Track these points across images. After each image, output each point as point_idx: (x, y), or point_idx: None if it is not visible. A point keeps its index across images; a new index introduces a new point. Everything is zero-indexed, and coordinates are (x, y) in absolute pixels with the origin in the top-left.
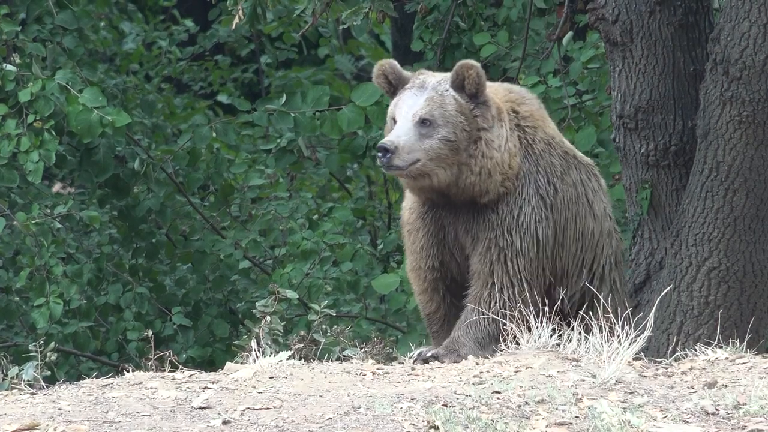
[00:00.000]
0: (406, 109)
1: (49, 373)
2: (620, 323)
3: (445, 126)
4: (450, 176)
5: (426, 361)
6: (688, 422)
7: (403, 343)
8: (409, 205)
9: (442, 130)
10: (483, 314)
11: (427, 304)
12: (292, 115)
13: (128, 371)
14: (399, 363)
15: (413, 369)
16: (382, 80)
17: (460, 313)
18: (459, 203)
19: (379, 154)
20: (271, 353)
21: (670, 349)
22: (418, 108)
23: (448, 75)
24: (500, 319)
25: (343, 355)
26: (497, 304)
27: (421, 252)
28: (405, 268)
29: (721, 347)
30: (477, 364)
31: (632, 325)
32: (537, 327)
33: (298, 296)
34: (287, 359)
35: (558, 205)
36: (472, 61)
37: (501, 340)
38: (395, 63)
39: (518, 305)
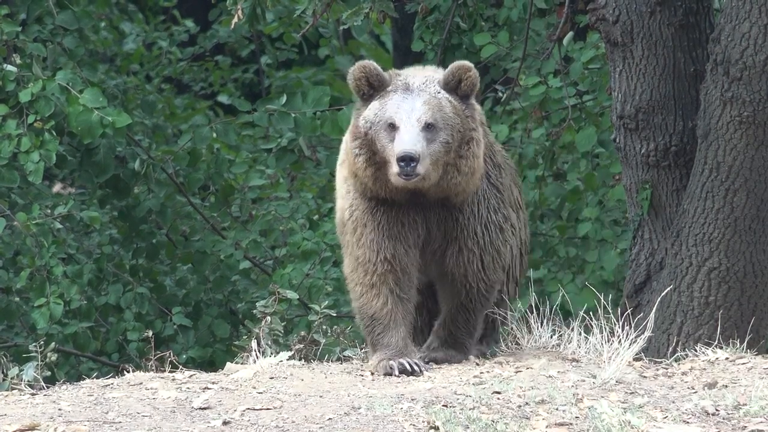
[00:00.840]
0: (407, 114)
1: (49, 373)
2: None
3: (445, 129)
4: (436, 177)
5: (427, 363)
6: (688, 423)
7: None
8: (349, 203)
9: (442, 133)
10: (467, 314)
11: (373, 301)
12: (293, 115)
13: (128, 372)
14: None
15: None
16: (363, 82)
17: (406, 312)
18: (432, 202)
19: (403, 164)
20: (272, 354)
21: (671, 349)
22: (422, 113)
23: (428, 74)
24: (498, 316)
25: (344, 356)
26: (477, 303)
27: (371, 245)
28: (344, 269)
29: (721, 348)
30: (477, 364)
31: (633, 325)
32: (537, 328)
33: (298, 297)
34: (287, 360)
35: (504, 191)
36: (469, 63)
37: (501, 340)
38: (376, 65)
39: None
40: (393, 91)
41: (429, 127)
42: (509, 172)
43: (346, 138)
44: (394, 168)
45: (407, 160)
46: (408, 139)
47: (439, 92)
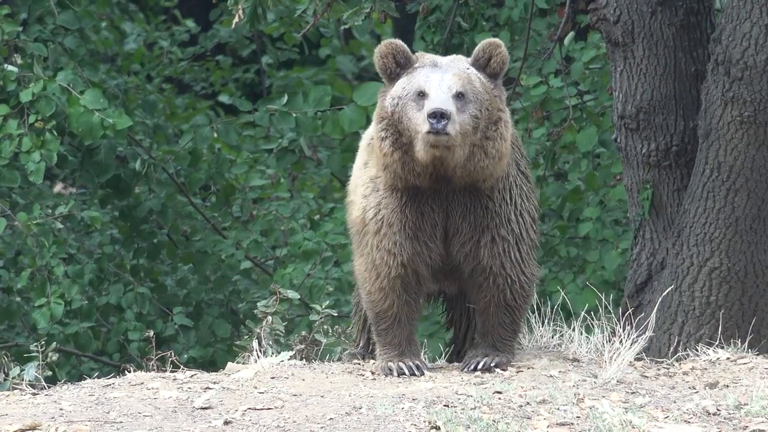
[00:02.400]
0: (438, 82)
1: (50, 373)
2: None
3: (474, 102)
4: (463, 156)
5: (489, 369)
6: (689, 422)
7: None
8: (376, 202)
9: (471, 106)
10: (512, 313)
11: (381, 302)
12: (294, 115)
13: (130, 371)
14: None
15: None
16: (390, 60)
17: (413, 312)
18: (458, 188)
19: (433, 120)
20: (273, 353)
21: (672, 349)
22: (452, 82)
23: (457, 56)
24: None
25: (345, 355)
26: (520, 299)
27: (392, 248)
28: (356, 268)
29: (722, 347)
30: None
31: (634, 325)
32: (539, 327)
33: (299, 296)
34: (288, 359)
35: (532, 181)
36: (499, 40)
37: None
38: (403, 43)
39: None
40: (420, 67)
41: (459, 96)
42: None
43: (370, 134)
44: (424, 127)
45: (438, 116)
46: (439, 100)
47: (468, 68)
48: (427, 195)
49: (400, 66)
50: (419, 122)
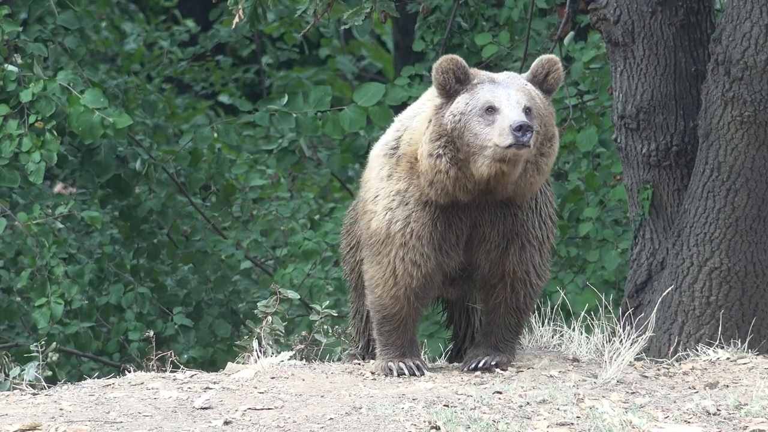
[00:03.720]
0: (507, 97)
1: (50, 373)
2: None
3: (537, 118)
4: (517, 174)
5: (490, 369)
6: (689, 422)
7: None
8: (404, 215)
9: (535, 122)
10: (519, 316)
11: (390, 307)
12: (294, 115)
13: (130, 371)
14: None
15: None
16: (450, 75)
17: (418, 315)
18: (497, 201)
19: (519, 133)
20: (273, 354)
21: (672, 349)
22: (520, 97)
23: (510, 72)
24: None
25: (344, 356)
26: (531, 303)
27: (418, 260)
28: (369, 273)
29: (722, 347)
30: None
31: (634, 325)
32: (539, 327)
33: (299, 297)
34: (288, 360)
35: (551, 186)
36: (556, 57)
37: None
38: (462, 60)
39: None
40: (480, 83)
41: (528, 111)
42: None
43: (389, 143)
44: (504, 141)
45: (523, 129)
46: (516, 113)
47: (526, 84)
48: (459, 207)
49: (460, 82)
50: (491, 137)
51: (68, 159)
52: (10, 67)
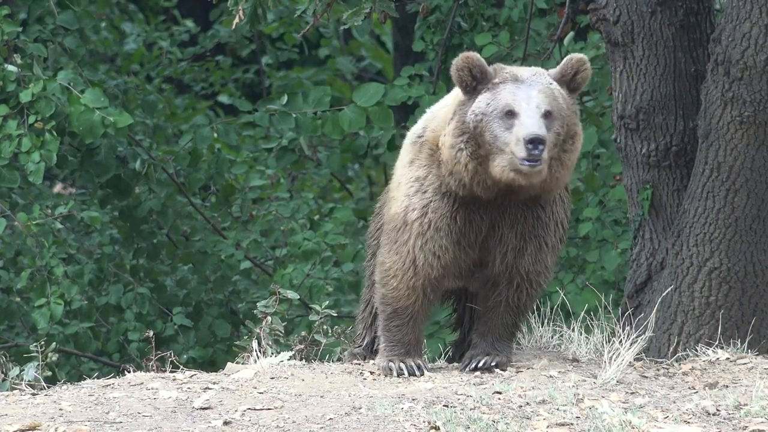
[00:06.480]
0: (526, 101)
1: (50, 373)
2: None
3: (559, 120)
4: (546, 173)
5: (490, 369)
6: (689, 423)
7: None
8: (422, 204)
9: (556, 123)
10: (517, 316)
11: (404, 299)
12: (294, 115)
13: (129, 372)
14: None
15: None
16: (466, 72)
17: (428, 311)
18: (520, 200)
19: (531, 146)
20: (272, 354)
21: (671, 349)
22: (540, 100)
23: (536, 69)
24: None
25: (344, 356)
26: (531, 303)
27: (438, 251)
28: (386, 263)
29: (722, 348)
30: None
31: (634, 325)
32: (538, 328)
33: (299, 297)
34: (288, 360)
35: (568, 188)
36: (585, 56)
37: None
38: (480, 57)
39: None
40: (503, 82)
41: (548, 115)
42: None
43: (417, 131)
44: (519, 152)
45: (536, 143)
46: (532, 123)
47: (551, 83)
48: (480, 203)
49: (476, 80)
50: (509, 143)
51: (68, 159)
52: (10, 68)
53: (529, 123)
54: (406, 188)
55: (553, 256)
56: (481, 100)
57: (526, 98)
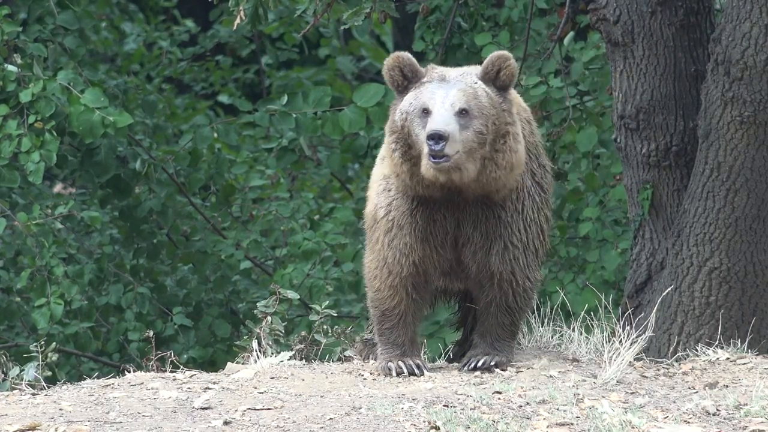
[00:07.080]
0: (442, 99)
1: (50, 373)
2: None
3: (479, 118)
4: (474, 171)
5: (490, 369)
6: (689, 422)
7: None
8: (387, 202)
9: (476, 122)
10: (512, 315)
11: (388, 300)
12: (294, 115)
13: (129, 372)
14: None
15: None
16: (397, 72)
17: (418, 312)
18: (470, 199)
19: (431, 142)
20: (272, 354)
21: (672, 349)
22: (455, 98)
23: (467, 69)
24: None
25: (344, 356)
26: (522, 302)
27: (403, 248)
28: (366, 263)
29: (722, 348)
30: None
31: (634, 325)
32: (538, 327)
33: (299, 297)
34: (288, 360)
35: (547, 191)
36: (508, 53)
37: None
38: (411, 56)
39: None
40: (429, 81)
41: (462, 113)
42: (550, 176)
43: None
44: (425, 149)
45: (436, 138)
46: (439, 120)
47: (476, 82)
48: (439, 203)
49: (408, 79)
50: (423, 141)
51: (68, 159)
52: (10, 67)
53: (436, 120)
54: (376, 186)
55: (527, 255)
56: (407, 99)
57: (442, 96)
